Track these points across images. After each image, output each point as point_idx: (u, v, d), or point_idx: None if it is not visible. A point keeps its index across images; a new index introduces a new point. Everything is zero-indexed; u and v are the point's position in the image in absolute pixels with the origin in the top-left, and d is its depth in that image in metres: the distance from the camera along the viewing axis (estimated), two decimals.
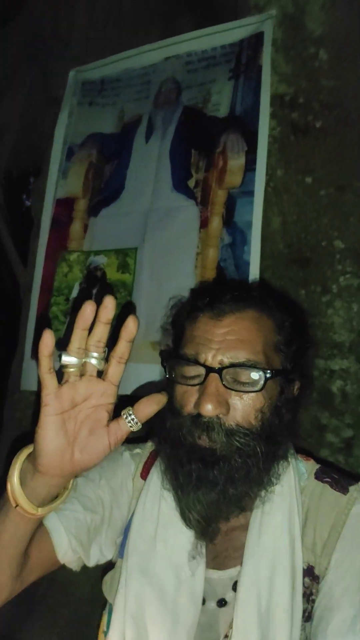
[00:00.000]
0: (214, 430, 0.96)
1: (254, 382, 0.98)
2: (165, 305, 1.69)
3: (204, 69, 1.85)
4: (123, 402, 0.90)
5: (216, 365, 0.99)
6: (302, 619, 0.95)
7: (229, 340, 1.00)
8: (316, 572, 0.98)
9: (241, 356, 0.99)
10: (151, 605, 1.01)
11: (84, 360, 0.83)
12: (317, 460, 1.16)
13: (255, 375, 0.98)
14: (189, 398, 1.01)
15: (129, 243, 1.84)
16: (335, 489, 1.05)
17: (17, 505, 0.87)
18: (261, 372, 0.98)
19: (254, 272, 1.61)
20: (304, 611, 0.96)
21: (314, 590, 0.97)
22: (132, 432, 0.88)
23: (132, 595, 1.02)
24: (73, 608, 1.71)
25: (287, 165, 1.71)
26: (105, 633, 1.09)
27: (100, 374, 0.85)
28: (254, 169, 1.67)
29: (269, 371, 0.98)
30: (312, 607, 0.97)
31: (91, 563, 1.09)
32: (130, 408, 0.86)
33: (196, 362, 1.00)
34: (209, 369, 0.98)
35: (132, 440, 0.93)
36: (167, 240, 1.77)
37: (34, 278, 1.98)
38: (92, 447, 0.85)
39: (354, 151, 1.63)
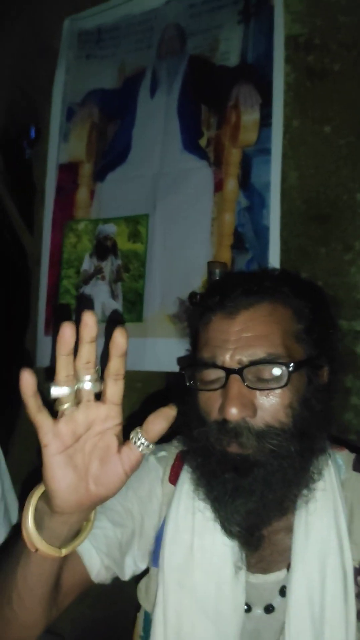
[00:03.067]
0: (243, 435, 0.91)
1: (278, 378, 0.93)
2: (180, 275, 1.68)
3: (209, 13, 1.74)
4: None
5: (235, 366, 0.94)
6: (357, 620, 0.92)
7: (245, 338, 0.95)
8: None
9: (260, 352, 0.94)
10: (192, 618, 0.98)
11: (76, 387, 0.76)
12: (350, 447, 1.10)
13: (277, 371, 0.93)
14: (213, 404, 0.96)
15: (140, 210, 1.77)
16: None
17: (37, 550, 0.83)
18: (284, 367, 0.93)
19: (274, 238, 1.56)
20: (359, 612, 0.93)
21: None
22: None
23: (172, 609, 1.00)
24: None
25: (303, 114, 1.63)
26: (142, 638, 1.08)
27: (99, 395, 0.78)
28: (270, 124, 1.60)
29: (292, 364, 0.93)
30: None
31: (126, 577, 1.06)
32: (139, 430, 0.79)
33: (214, 365, 0.95)
34: (229, 371, 0.93)
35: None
36: (179, 206, 1.70)
37: (42, 250, 1.93)
38: (106, 478, 0.79)
39: None
